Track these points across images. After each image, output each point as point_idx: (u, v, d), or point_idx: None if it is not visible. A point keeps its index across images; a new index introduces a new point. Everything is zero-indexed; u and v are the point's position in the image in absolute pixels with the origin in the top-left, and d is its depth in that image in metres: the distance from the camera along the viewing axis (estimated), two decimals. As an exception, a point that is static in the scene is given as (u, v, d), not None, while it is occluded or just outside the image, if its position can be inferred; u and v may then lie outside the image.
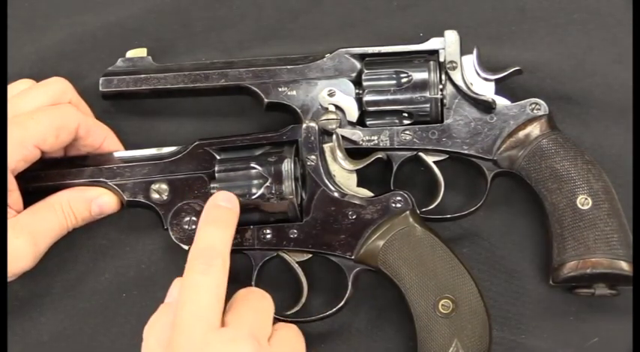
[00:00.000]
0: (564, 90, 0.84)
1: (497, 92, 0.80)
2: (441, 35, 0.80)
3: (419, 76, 0.78)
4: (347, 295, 0.77)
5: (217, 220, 0.74)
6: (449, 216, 0.81)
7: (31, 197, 0.78)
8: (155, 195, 0.79)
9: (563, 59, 0.85)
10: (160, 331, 0.70)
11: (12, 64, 0.85)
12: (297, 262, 0.79)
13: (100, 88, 0.82)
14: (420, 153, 0.80)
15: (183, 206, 0.78)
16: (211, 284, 0.69)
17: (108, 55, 0.84)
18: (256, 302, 0.72)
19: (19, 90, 0.80)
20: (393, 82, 0.79)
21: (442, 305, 0.74)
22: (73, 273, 0.84)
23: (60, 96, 0.80)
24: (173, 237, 0.78)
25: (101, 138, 0.81)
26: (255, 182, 0.76)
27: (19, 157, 0.75)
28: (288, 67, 0.81)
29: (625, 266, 0.75)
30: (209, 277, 0.69)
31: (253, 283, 0.78)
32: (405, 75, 0.79)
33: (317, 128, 0.78)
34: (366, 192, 0.78)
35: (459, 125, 0.79)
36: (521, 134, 0.79)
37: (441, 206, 0.80)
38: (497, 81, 0.79)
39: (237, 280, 0.82)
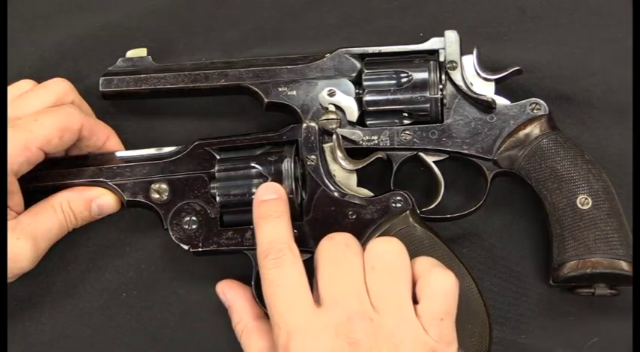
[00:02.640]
0: (564, 91, 0.84)
1: (497, 92, 0.80)
2: (441, 35, 0.80)
3: (419, 75, 0.78)
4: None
5: (268, 215, 0.73)
6: (449, 216, 0.81)
7: (31, 197, 0.78)
8: (155, 195, 0.79)
9: (563, 59, 0.85)
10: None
11: (12, 64, 0.85)
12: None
13: (100, 88, 0.82)
14: (420, 153, 0.80)
15: (184, 206, 0.78)
16: (289, 273, 0.70)
17: (108, 55, 0.84)
18: (346, 259, 0.70)
19: (20, 91, 0.80)
20: (393, 81, 0.79)
21: None
22: (73, 273, 0.84)
23: (62, 97, 0.80)
24: (173, 237, 0.78)
25: (104, 137, 0.81)
26: (256, 181, 0.76)
27: (22, 160, 0.75)
28: (288, 67, 0.81)
29: (625, 266, 0.75)
30: (284, 268, 0.70)
31: (253, 283, 0.78)
32: (405, 75, 0.79)
33: (317, 128, 0.78)
34: (366, 192, 0.78)
35: (459, 125, 0.79)
36: (522, 134, 0.79)
37: (441, 206, 0.80)
38: (497, 81, 0.79)
39: (236, 280, 0.82)
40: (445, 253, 0.75)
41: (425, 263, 0.71)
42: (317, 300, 0.70)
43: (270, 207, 0.74)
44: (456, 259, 0.75)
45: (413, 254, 0.74)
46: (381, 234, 0.75)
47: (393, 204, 0.76)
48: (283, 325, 0.68)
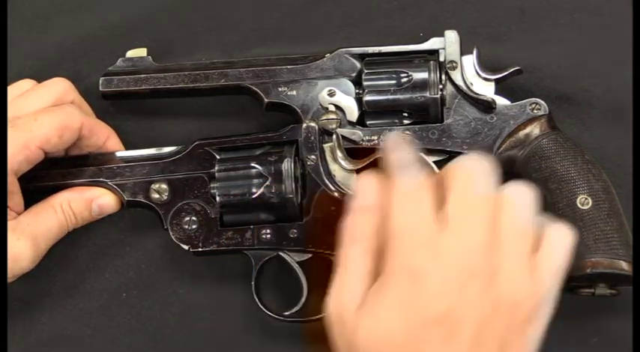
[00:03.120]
0: (564, 91, 0.84)
1: (497, 92, 0.80)
2: (441, 35, 0.79)
3: (419, 75, 0.78)
4: (347, 295, 0.77)
5: (404, 148, 0.70)
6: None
7: (31, 197, 0.78)
8: (155, 195, 0.79)
9: (563, 59, 0.84)
10: (368, 237, 0.67)
11: (12, 64, 0.85)
12: (297, 262, 0.79)
13: (100, 88, 0.82)
14: (420, 153, 0.80)
15: (184, 206, 0.78)
16: (423, 194, 0.66)
17: (108, 55, 0.84)
18: (482, 186, 0.66)
19: (20, 91, 0.80)
20: (393, 81, 0.79)
21: None
22: (73, 273, 0.84)
23: (62, 96, 0.80)
24: (173, 237, 0.78)
25: (104, 137, 0.81)
26: (255, 181, 0.76)
27: (22, 159, 0.75)
28: (288, 67, 0.81)
29: (625, 266, 0.75)
30: (419, 189, 0.66)
31: (253, 283, 0.78)
32: (405, 75, 0.79)
33: (317, 128, 0.78)
34: (366, 192, 0.78)
35: (459, 125, 0.79)
36: (521, 134, 0.79)
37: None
38: (497, 81, 0.79)
39: (236, 280, 0.82)
40: None
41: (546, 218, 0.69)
42: (441, 220, 0.65)
43: (405, 143, 0.70)
44: None
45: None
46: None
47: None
48: (409, 236, 0.64)
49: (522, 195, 0.67)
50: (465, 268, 0.64)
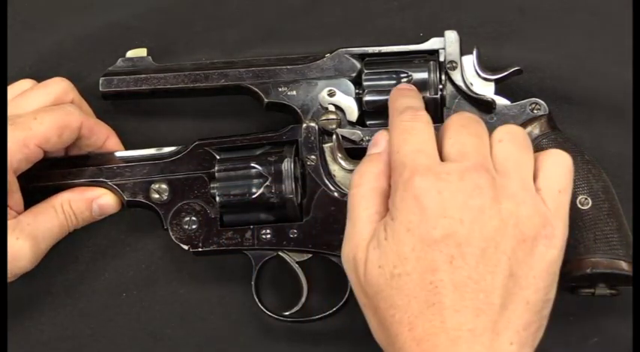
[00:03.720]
0: (564, 90, 0.84)
1: (497, 92, 0.80)
2: (441, 35, 0.79)
3: (419, 76, 0.78)
4: (347, 295, 0.77)
5: (406, 95, 0.74)
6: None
7: (31, 197, 0.78)
8: (155, 195, 0.79)
9: (563, 59, 0.85)
10: (373, 180, 0.70)
11: (12, 64, 0.85)
12: (297, 262, 0.79)
13: (100, 88, 0.82)
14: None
15: (184, 206, 0.78)
16: (423, 128, 0.69)
17: (108, 55, 0.84)
18: (474, 127, 0.70)
19: (20, 91, 0.80)
20: (393, 81, 0.79)
21: None
22: (73, 273, 0.84)
23: (62, 96, 0.80)
24: (173, 237, 0.78)
25: (104, 137, 0.81)
26: (255, 181, 0.76)
27: (21, 157, 0.75)
28: (288, 67, 0.81)
29: (625, 266, 0.75)
30: (419, 123, 0.70)
31: (253, 283, 0.78)
32: (405, 75, 0.78)
33: (317, 128, 0.78)
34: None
35: (459, 125, 0.79)
36: (522, 134, 0.79)
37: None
38: (497, 81, 0.79)
39: (236, 280, 0.82)
40: None
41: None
42: (442, 156, 0.69)
43: (408, 90, 0.75)
44: None
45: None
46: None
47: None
48: (410, 164, 0.67)
49: (515, 129, 0.71)
50: (466, 188, 0.65)
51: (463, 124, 0.70)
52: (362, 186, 0.70)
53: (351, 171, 0.78)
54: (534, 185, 0.68)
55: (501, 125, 0.72)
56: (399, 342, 0.64)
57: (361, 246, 0.68)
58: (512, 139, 0.70)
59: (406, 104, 0.72)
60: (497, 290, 0.64)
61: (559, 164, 0.70)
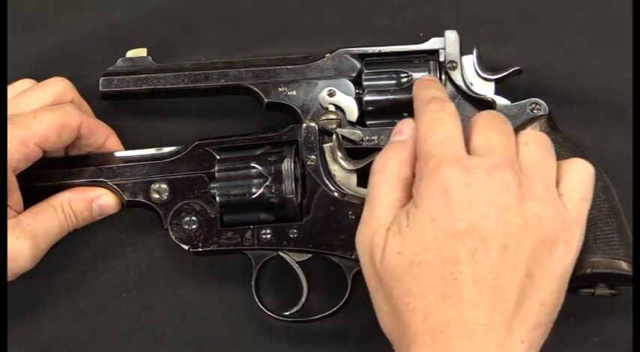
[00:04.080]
0: (564, 90, 0.84)
1: (497, 92, 0.80)
2: (441, 35, 0.79)
3: (419, 75, 0.78)
4: (347, 295, 0.78)
5: (431, 86, 0.74)
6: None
7: (31, 197, 0.78)
8: (155, 195, 0.79)
9: (563, 59, 0.85)
10: (396, 166, 0.70)
11: (12, 64, 0.85)
12: (297, 262, 0.79)
13: (100, 88, 0.82)
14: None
15: (184, 206, 0.78)
16: (449, 118, 0.70)
17: (108, 55, 0.84)
18: (503, 126, 0.71)
19: (20, 90, 0.80)
20: (393, 81, 0.79)
21: None
22: (73, 273, 0.84)
23: (61, 95, 0.80)
24: (173, 237, 0.78)
25: (103, 137, 0.81)
26: (255, 181, 0.76)
27: (20, 156, 0.75)
28: (288, 67, 0.81)
29: (625, 266, 0.75)
30: (446, 114, 0.70)
31: (253, 283, 0.78)
32: (405, 75, 0.78)
33: (317, 128, 0.78)
34: (366, 192, 0.78)
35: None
36: (522, 134, 0.79)
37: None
38: (497, 81, 0.79)
39: (236, 280, 0.82)
40: None
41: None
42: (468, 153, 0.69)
43: (433, 81, 0.76)
44: None
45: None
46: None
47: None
48: (437, 153, 0.67)
49: (540, 134, 0.71)
50: (493, 184, 0.66)
51: (491, 122, 0.70)
52: (385, 172, 0.70)
53: (351, 171, 0.78)
54: (558, 189, 0.69)
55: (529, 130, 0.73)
56: (411, 332, 0.64)
57: (379, 231, 0.68)
58: (538, 143, 0.70)
59: (432, 94, 0.72)
60: (515, 287, 0.64)
61: (583, 173, 0.70)
